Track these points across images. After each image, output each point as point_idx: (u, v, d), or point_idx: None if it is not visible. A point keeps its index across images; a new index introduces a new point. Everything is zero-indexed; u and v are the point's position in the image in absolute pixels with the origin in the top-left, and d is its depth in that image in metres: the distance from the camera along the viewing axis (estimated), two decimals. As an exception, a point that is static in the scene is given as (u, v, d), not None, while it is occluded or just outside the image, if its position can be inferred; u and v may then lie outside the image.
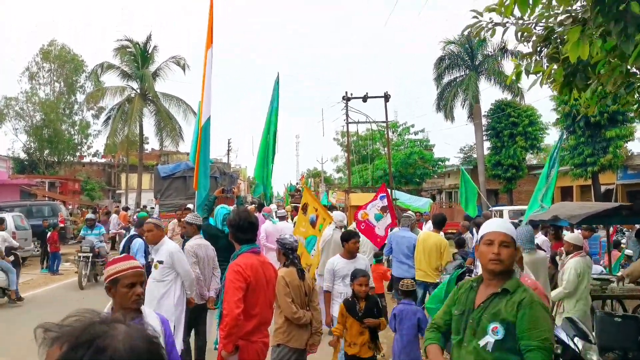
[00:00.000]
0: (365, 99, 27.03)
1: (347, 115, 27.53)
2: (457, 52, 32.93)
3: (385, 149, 36.38)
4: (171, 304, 5.75)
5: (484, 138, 32.73)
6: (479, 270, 7.08)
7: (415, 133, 41.37)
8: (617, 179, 25.70)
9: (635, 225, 8.93)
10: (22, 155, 42.58)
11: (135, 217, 24.40)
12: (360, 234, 8.02)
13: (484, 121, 32.83)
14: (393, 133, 41.10)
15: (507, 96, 31.95)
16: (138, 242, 8.37)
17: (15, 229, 17.07)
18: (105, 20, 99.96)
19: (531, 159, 39.81)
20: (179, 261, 5.90)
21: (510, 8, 3.76)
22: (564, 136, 8.16)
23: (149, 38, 33.51)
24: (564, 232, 8.65)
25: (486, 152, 33.03)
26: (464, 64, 32.83)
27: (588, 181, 25.35)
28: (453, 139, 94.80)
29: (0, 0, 60.84)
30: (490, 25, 4.61)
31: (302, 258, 8.34)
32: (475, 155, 39.44)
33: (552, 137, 40.77)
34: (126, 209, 23.37)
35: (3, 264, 11.37)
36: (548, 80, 4.67)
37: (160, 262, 5.80)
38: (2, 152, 42.98)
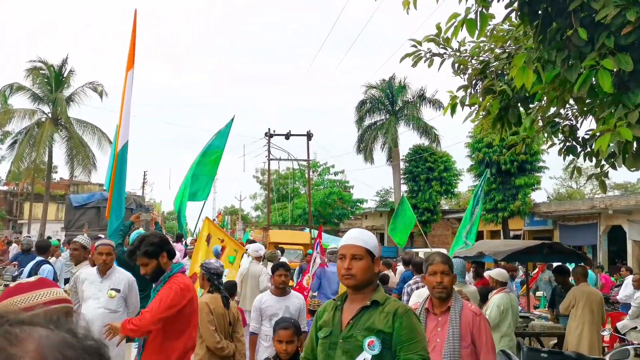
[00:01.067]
0: (288, 136, 27.17)
1: (269, 152, 27.49)
2: (378, 96, 33.82)
3: (305, 188, 36.58)
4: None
5: (402, 181, 33.50)
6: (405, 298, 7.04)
7: (335, 174, 41.89)
8: (525, 225, 26.94)
9: (553, 264, 9.26)
10: None
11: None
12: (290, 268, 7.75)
13: (402, 165, 33.68)
14: (313, 172, 41.35)
15: (425, 141, 33.01)
16: (47, 269, 7.57)
17: None
18: (19, 39, 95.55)
19: (444, 204, 41.17)
20: (135, 292, 5.42)
21: (456, 33, 3.78)
22: (488, 174, 8.42)
23: (65, 61, 32.03)
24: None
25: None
26: (385, 109, 33.70)
27: (498, 226, 26.41)
28: (372, 180, 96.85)
29: None
30: (428, 55, 4.63)
31: None
32: (391, 199, 40.33)
33: (465, 183, 42.46)
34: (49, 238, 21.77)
35: None
36: (481, 114, 4.73)
37: (117, 291, 5.19)
38: None
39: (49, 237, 26.25)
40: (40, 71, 31.41)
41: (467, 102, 4.73)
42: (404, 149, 34.56)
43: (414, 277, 6.93)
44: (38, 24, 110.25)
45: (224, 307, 4.52)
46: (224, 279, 8.03)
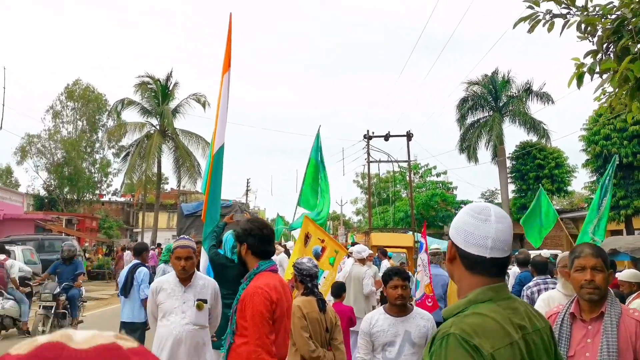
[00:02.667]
0: (387, 137, 26.58)
1: (369, 154, 27.02)
2: (480, 93, 32.43)
3: (406, 190, 35.78)
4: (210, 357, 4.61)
5: (509, 181, 31.82)
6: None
7: (437, 175, 40.61)
8: (652, 223, 24.54)
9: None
10: (42, 193, 42.60)
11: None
12: (410, 275, 7.15)
13: (509, 163, 32.01)
14: (414, 174, 40.38)
15: (533, 137, 31.17)
16: (143, 271, 7.54)
17: (25, 263, 16.53)
18: (126, 54, 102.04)
19: (556, 204, 38.67)
20: (220, 301, 4.77)
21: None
22: (616, 161, 7.42)
23: (169, 75, 33.57)
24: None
25: (510, 195, 32.07)
26: (488, 105, 32.26)
27: (621, 225, 24.23)
28: (476, 180, 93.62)
29: (27, 38, 62.46)
30: (547, 17, 3.95)
31: None
32: (497, 200, 38.46)
33: (580, 179, 39.82)
34: (159, 245, 22.79)
35: (17, 294, 10.93)
36: (617, 83, 3.96)
37: (205, 302, 4.47)
38: (22, 189, 43.19)
39: (159, 245, 27.43)
40: (148, 85, 33.06)
41: (597, 69, 3.99)
42: (510, 146, 32.91)
43: (535, 278, 6.15)
44: (143, 39, 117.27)
45: (320, 311, 4.06)
46: (322, 281, 7.64)
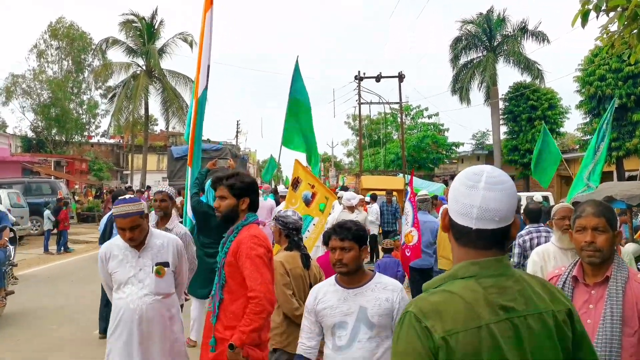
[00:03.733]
0: (378, 78, 26.09)
1: (360, 95, 26.59)
2: (474, 32, 31.67)
3: (398, 132, 35.46)
4: (181, 334, 3.87)
5: (501, 122, 31.56)
6: (515, 258, 6.15)
7: (429, 116, 40.19)
8: (642, 165, 24.52)
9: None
10: (30, 134, 42.03)
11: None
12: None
13: (501, 104, 31.66)
14: (406, 116, 39.98)
15: (527, 78, 30.71)
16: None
17: (11, 207, 16.32)
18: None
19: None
20: (185, 256, 4.00)
21: None
22: (616, 103, 7.15)
23: (155, 13, 32.47)
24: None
25: (502, 136, 31.89)
26: (482, 45, 31.60)
27: (612, 167, 24.19)
28: (468, 122, 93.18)
29: (9, -24, 60.03)
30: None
31: None
32: (488, 142, 38.30)
33: (573, 121, 39.70)
34: (129, 188, 22.55)
35: None
36: (624, 21, 3.67)
37: (166, 265, 3.72)
38: (9, 131, 42.51)
39: (149, 187, 27.21)
40: (133, 24, 32.02)
41: (604, 6, 3.68)
42: (503, 87, 32.51)
43: (527, 227, 5.97)
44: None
45: (304, 267, 3.87)
46: (312, 228, 7.45)
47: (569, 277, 2.63)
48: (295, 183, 8.04)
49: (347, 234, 3.03)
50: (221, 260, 3.29)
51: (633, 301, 2.43)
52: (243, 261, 3.15)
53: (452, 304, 1.41)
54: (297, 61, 11.81)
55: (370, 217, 12.17)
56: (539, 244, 5.67)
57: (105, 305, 6.56)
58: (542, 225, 5.93)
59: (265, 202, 11.14)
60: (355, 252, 3.02)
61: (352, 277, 3.03)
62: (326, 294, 3.07)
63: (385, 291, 2.98)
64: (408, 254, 7.97)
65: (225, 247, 3.29)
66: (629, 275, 2.51)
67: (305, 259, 3.87)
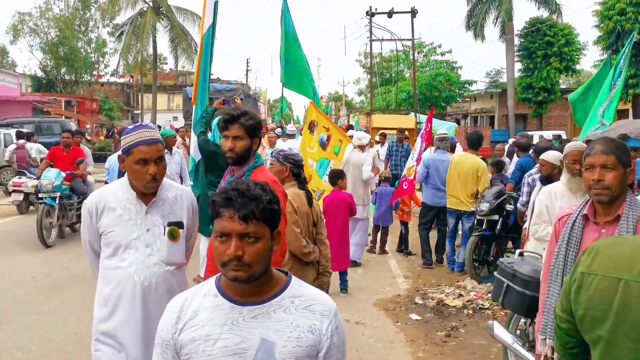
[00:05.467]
0: (390, 14, 25.34)
1: (371, 32, 25.93)
2: (491, -36, 30.52)
3: (410, 71, 34.78)
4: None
5: (516, 59, 30.88)
6: (524, 197, 6.14)
7: (442, 54, 39.31)
8: (659, 103, 24.04)
9: None
10: (40, 74, 41.84)
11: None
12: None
13: (517, 40, 30.87)
14: (418, 54, 39.16)
15: (544, 13, 29.82)
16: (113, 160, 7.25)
17: (22, 146, 16.40)
18: None
19: (562, 83, 37.84)
20: (197, 217, 3.12)
21: None
22: (635, 37, 6.86)
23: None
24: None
25: (516, 74, 31.26)
26: (499, -24, 30.52)
27: (627, 105, 23.75)
28: (481, 59, 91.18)
29: None
30: None
31: (313, 182, 7.42)
32: (502, 80, 37.57)
33: (589, 58, 38.69)
34: (159, 127, 22.53)
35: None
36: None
37: (180, 226, 2.82)
38: (19, 70, 42.35)
39: (159, 127, 27.23)
40: (138, -44, 31.17)
41: None
42: (519, 23, 31.60)
43: (537, 165, 5.93)
44: None
45: (308, 205, 3.91)
46: (329, 171, 7.48)
47: (579, 216, 2.60)
48: (312, 126, 8.05)
49: (243, 211, 1.62)
50: None
51: None
52: None
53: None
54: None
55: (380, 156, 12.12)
56: (548, 183, 5.66)
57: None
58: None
59: (298, 140, 11.25)
60: (266, 239, 1.65)
61: (253, 286, 1.67)
62: (199, 311, 1.70)
63: (308, 314, 1.70)
64: (405, 187, 8.03)
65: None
66: None
67: (309, 196, 3.89)
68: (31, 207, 10.99)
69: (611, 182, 2.46)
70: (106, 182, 7.01)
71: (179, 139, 12.87)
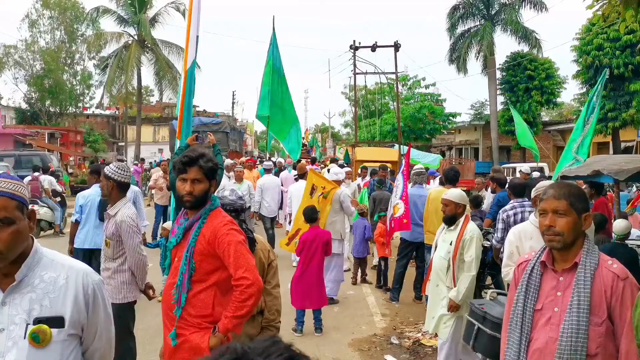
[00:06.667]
0: (374, 48, 25.62)
1: (355, 65, 26.16)
2: (472, 0, 31.14)
3: (394, 103, 35.01)
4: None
5: (498, 92, 31.29)
6: (498, 234, 6.05)
7: (426, 87, 39.78)
8: (638, 135, 24.31)
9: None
10: (24, 106, 41.71)
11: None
12: None
13: (499, 74, 31.33)
14: (403, 86, 39.55)
15: (524, 47, 30.34)
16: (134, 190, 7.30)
17: (0, 180, 16.18)
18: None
19: (544, 115, 38.31)
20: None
21: None
22: (606, 74, 6.90)
23: (145, -20, 31.85)
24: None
25: (499, 107, 31.64)
26: (479, 14, 31.12)
27: (608, 138, 24.02)
28: (465, 92, 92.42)
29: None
30: None
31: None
32: (487, 112, 37.97)
33: (570, 91, 39.27)
34: (121, 161, 22.31)
35: (49, 202, 13.64)
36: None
37: (57, 324, 1.77)
38: (3, 102, 42.19)
39: (142, 160, 27.06)
40: (123, -8, 31.42)
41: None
42: (500, 57, 32.10)
43: (512, 202, 5.86)
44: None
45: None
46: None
47: (537, 263, 2.50)
48: (312, 190, 8.12)
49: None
50: (190, 249, 3.01)
51: (602, 289, 2.31)
52: (224, 248, 2.94)
53: None
54: (273, 23, 11.93)
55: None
56: (523, 219, 5.56)
57: None
58: (527, 200, 5.83)
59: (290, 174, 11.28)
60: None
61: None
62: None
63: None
64: (393, 226, 7.92)
65: (194, 234, 3.02)
66: (599, 262, 2.38)
67: (250, 242, 3.43)
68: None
69: (563, 228, 2.37)
70: (76, 221, 6.60)
71: (159, 173, 12.77)
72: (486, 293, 7.38)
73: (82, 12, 39.53)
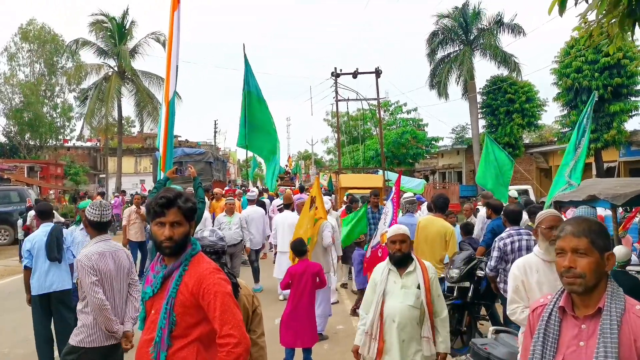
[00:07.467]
0: (355, 74, 25.64)
1: (337, 92, 26.15)
2: (450, 26, 31.50)
3: (377, 129, 35.07)
4: None
5: (479, 116, 31.48)
6: (492, 262, 5.84)
7: (408, 112, 39.97)
8: (620, 156, 24.54)
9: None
10: (3, 140, 41.18)
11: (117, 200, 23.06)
12: None
13: (479, 98, 31.57)
14: (385, 112, 39.70)
15: (503, 71, 30.66)
16: (74, 231, 6.67)
17: (-25, 216, 15.75)
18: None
19: (526, 138, 38.61)
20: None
21: None
22: (596, 97, 6.82)
23: (125, 13, 31.79)
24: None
25: (481, 130, 31.82)
26: (458, 39, 31.45)
27: (590, 159, 24.20)
28: (446, 117, 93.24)
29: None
30: None
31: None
32: (468, 135, 38.19)
33: (550, 113, 39.75)
34: (102, 194, 21.91)
35: None
36: (605, 8, 3.35)
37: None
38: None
39: (123, 192, 26.58)
40: (103, 24, 31.31)
41: (584, -8, 3.36)
42: (480, 81, 32.42)
43: (507, 229, 5.64)
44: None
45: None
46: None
47: (555, 308, 2.22)
48: (312, 203, 7.88)
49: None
50: (170, 301, 2.67)
51: (631, 339, 2.03)
52: (209, 300, 2.62)
53: None
54: (244, 50, 11.70)
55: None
56: (520, 247, 5.36)
57: (46, 342, 6.06)
58: (523, 228, 5.63)
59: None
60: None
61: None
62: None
63: None
64: (380, 255, 7.66)
65: (174, 284, 2.69)
66: (626, 306, 2.10)
67: (233, 288, 2.97)
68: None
69: (584, 269, 2.10)
70: (26, 267, 6.08)
71: (131, 208, 12.23)
72: (482, 325, 7.15)
73: (62, 44, 39.36)
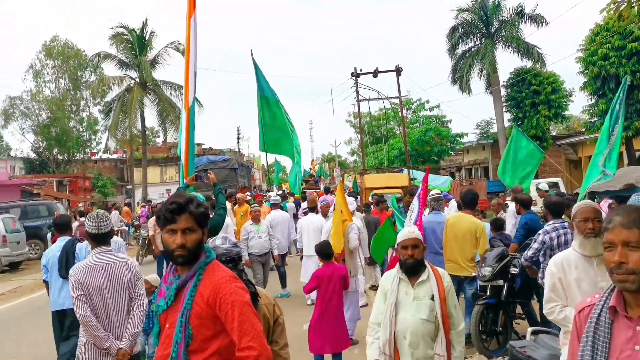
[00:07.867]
0: (375, 74, 25.47)
1: (357, 92, 26.01)
2: (470, 20, 31.06)
3: (400, 127, 34.78)
4: None
5: (504, 109, 30.94)
6: (530, 252, 5.55)
7: (431, 109, 39.55)
8: (653, 143, 23.83)
9: None
10: (32, 155, 42.07)
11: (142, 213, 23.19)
12: None
13: (503, 91, 31.04)
14: (407, 110, 39.32)
15: (527, 63, 30.08)
16: (84, 247, 6.09)
17: (6, 232, 15.92)
18: (101, 6, 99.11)
19: (553, 129, 37.86)
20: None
21: None
22: (628, 81, 6.55)
23: (145, 24, 32.11)
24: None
25: (506, 124, 31.27)
26: (479, 32, 31.01)
27: (621, 147, 23.54)
28: (470, 112, 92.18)
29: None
30: None
31: None
32: (493, 130, 37.61)
33: (577, 103, 38.97)
34: (128, 204, 22.07)
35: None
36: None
37: None
38: (12, 153, 42.59)
39: (149, 201, 26.73)
40: (123, 36, 31.66)
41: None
42: (504, 74, 31.88)
43: (551, 222, 5.31)
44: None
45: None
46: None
47: (604, 308, 2.01)
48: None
49: None
50: (186, 312, 2.52)
51: None
52: (227, 310, 2.47)
53: None
54: (252, 56, 11.81)
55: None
56: (566, 241, 5.06)
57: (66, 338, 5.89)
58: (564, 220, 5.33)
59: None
60: None
61: None
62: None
63: None
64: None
65: (189, 295, 2.53)
66: None
67: (253, 297, 2.91)
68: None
69: (637, 264, 1.88)
70: (44, 281, 6.12)
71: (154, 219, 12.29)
72: (518, 324, 6.89)
73: (85, 59, 39.98)
